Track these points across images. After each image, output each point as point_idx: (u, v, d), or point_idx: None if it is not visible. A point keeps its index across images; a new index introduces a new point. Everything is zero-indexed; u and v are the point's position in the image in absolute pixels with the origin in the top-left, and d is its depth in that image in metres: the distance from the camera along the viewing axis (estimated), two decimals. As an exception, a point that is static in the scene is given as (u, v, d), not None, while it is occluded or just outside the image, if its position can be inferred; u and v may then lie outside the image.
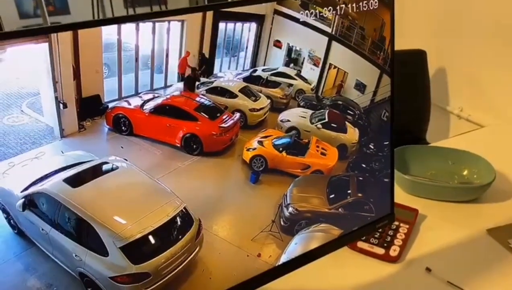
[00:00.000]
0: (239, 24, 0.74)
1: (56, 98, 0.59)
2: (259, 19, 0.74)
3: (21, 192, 0.60)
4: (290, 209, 0.83)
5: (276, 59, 0.78)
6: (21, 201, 0.60)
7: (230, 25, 0.72)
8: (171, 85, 0.69)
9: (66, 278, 0.65)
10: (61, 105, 0.59)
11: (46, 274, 0.63)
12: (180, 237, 0.71)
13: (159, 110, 0.69)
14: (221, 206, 0.76)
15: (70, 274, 0.65)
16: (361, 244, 1.08)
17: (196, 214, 0.72)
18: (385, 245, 1.08)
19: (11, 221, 0.61)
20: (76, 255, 0.64)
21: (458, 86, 2.28)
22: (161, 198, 0.69)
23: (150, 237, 0.68)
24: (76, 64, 0.59)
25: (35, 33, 0.54)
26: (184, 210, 0.71)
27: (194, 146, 0.72)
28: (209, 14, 0.67)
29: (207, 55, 0.70)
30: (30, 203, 0.61)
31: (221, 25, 0.70)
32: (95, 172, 0.64)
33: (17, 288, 0.62)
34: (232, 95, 0.74)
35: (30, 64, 0.57)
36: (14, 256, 0.61)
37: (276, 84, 0.78)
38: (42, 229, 0.62)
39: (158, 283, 0.70)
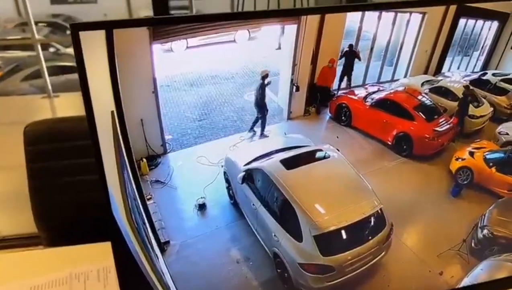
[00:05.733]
0: (480, 22, 0.67)
1: (291, 80, 0.59)
2: (502, 17, 0.66)
3: (244, 165, 0.63)
4: (485, 231, 0.75)
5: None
6: (242, 174, 0.63)
7: (470, 22, 0.66)
8: (397, 80, 0.65)
9: (261, 255, 0.67)
10: (294, 88, 0.60)
11: (247, 248, 0.66)
12: (370, 237, 0.69)
13: (380, 104, 0.67)
14: (415, 214, 0.71)
15: (265, 252, 0.67)
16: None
17: (389, 217, 0.69)
18: None
19: (231, 191, 0.64)
20: (275, 235, 0.65)
21: None
22: (362, 194, 0.67)
23: (343, 232, 0.67)
24: (316, 49, 0.59)
25: (294, 14, 0.55)
26: (379, 211, 0.68)
27: (404, 146, 0.68)
28: (452, 8, 0.61)
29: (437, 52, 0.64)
30: (248, 177, 0.63)
31: (461, 21, 0.64)
32: (309, 157, 0.64)
33: (219, 255, 0.65)
34: (454, 97, 0.68)
35: (276, 44, 0.58)
36: (225, 225, 0.64)
37: (503, 92, 0.70)
38: (253, 204, 0.65)
39: (339, 279, 0.69)
